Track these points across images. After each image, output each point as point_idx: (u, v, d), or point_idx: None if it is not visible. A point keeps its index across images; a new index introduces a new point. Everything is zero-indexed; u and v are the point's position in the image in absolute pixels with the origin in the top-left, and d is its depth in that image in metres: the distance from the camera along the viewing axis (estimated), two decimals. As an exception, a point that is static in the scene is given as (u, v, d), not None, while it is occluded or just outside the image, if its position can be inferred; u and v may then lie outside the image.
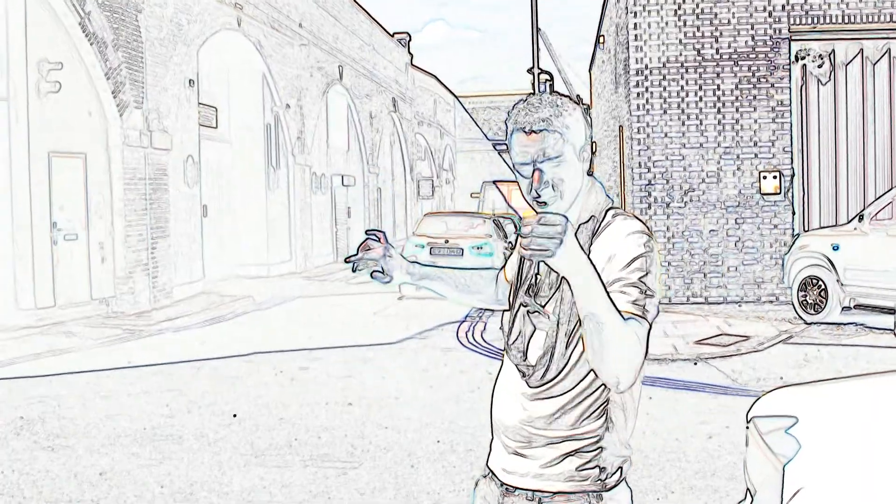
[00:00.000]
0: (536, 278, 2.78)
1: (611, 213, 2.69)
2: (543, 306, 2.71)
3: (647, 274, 2.52)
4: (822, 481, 3.47)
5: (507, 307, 3.02)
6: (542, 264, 2.76)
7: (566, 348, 2.64)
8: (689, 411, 8.72)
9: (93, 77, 16.56)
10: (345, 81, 31.90)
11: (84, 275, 16.49)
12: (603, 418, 2.67)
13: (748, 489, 4.01)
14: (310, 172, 27.82)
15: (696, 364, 11.18)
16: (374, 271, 3.06)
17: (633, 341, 2.39)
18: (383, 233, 3.12)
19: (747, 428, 4.09)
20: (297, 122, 26.68)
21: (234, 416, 8.84)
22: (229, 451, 7.67)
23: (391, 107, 39.56)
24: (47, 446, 7.87)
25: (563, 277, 2.56)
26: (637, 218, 2.68)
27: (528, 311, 2.76)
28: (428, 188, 46.87)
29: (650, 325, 2.50)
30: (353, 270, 3.08)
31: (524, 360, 2.73)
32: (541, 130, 2.63)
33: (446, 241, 19.77)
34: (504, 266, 3.17)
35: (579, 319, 2.46)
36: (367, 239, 3.09)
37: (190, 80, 20.01)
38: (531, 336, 2.74)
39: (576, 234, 2.50)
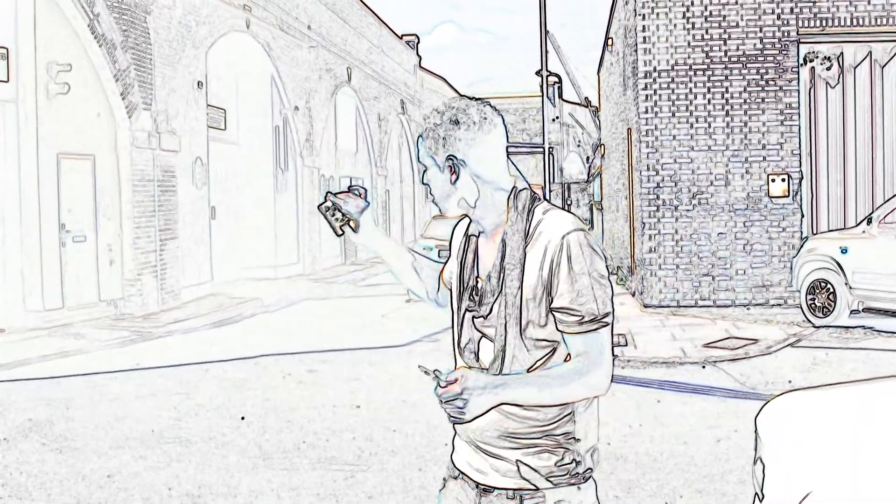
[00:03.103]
0: (478, 281, 2.83)
1: (539, 209, 2.77)
2: (489, 313, 2.76)
3: (592, 282, 2.63)
4: (830, 486, 3.47)
5: (438, 305, 3.24)
6: (480, 268, 2.86)
7: (522, 347, 2.69)
8: (697, 415, 8.70)
9: (101, 79, 16.60)
10: (353, 83, 31.92)
11: (92, 276, 16.53)
12: (570, 406, 2.72)
13: (756, 493, 4.00)
14: (318, 174, 27.84)
15: (704, 367, 11.16)
16: (341, 225, 3.12)
17: (583, 381, 2.61)
18: (365, 190, 3.19)
19: (755, 432, 4.09)
20: (305, 124, 26.71)
21: (242, 418, 8.85)
22: (237, 453, 7.68)
23: (399, 109, 39.58)
24: (55, 448, 7.89)
25: (503, 282, 2.72)
26: (566, 210, 2.79)
27: (473, 317, 2.81)
28: (436, 190, 46.79)
29: (611, 322, 2.65)
30: (324, 210, 3.12)
31: (477, 363, 2.79)
32: (419, 137, 2.85)
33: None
34: (443, 267, 3.21)
35: (527, 321, 2.67)
36: (349, 190, 3.14)
37: (198, 82, 20.04)
38: (480, 340, 2.80)
39: (504, 236, 2.74)
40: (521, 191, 2.80)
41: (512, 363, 2.69)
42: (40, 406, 9.52)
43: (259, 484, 6.84)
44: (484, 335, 2.77)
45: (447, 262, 3.14)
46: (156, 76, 17.96)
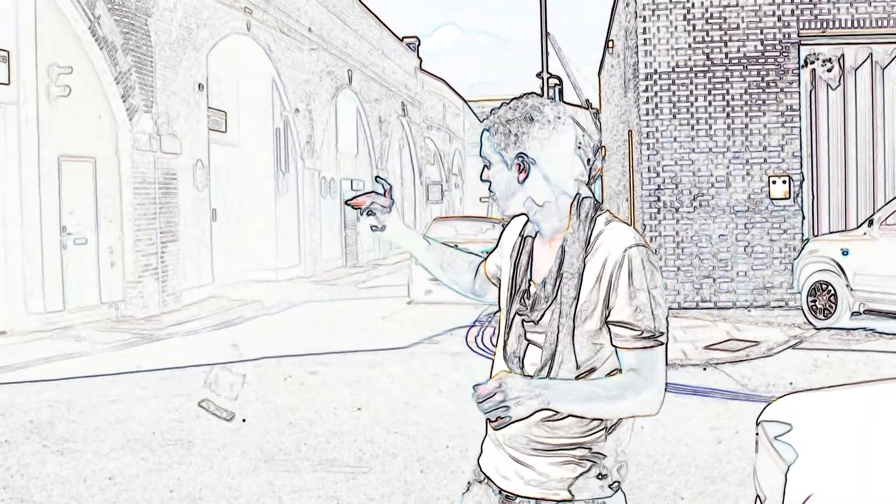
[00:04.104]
0: (531, 285, 2.77)
1: (601, 219, 2.71)
2: (539, 318, 2.71)
3: (651, 299, 2.57)
4: (831, 488, 3.46)
5: (475, 295, 3.20)
6: (534, 272, 2.79)
7: (571, 357, 2.63)
8: (698, 416, 8.70)
9: (102, 81, 16.60)
10: (354, 86, 31.94)
11: (93, 279, 16.53)
12: (603, 423, 2.66)
13: (758, 495, 4.00)
14: (319, 176, 27.85)
15: (705, 369, 11.15)
16: (372, 224, 3.11)
17: (633, 398, 2.54)
18: (390, 186, 3.15)
19: (756, 433, 4.09)
20: (306, 126, 26.72)
21: (243, 420, 8.85)
22: (238, 455, 7.68)
23: (400, 111, 39.58)
24: (56, 450, 7.89)
25: (558, 290, 2.65)
26: (625, 222, 2.70)
27: (523, 321, 2.75)
28: (437, 192, 46.86)
29: (665, 341, 2.58)
30: (362, 213, 3.10)
31: (522, 369, 2.73)
32: (484, 131, 2.80)
33: (455, 246, 19.70)
34: (485, 259, 3.17)
35: (579, 333, 2.61)
36: (372, 191, 3.12)
37: (199, 85, 20.05)
38: (527, 345, 2.74)
39: (563, 243, 2.68)
40: (584, 198, 2.73)
41: (559, 372, 2.63)
42: (42, 408, 9.52)
43: (260, 486, 6.84)
44: (531, 342, 2.72)
45: (489, 254, 3.11)
46: (157, 79, 17.97)
